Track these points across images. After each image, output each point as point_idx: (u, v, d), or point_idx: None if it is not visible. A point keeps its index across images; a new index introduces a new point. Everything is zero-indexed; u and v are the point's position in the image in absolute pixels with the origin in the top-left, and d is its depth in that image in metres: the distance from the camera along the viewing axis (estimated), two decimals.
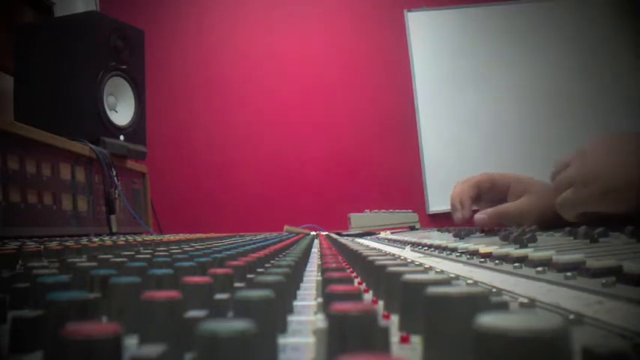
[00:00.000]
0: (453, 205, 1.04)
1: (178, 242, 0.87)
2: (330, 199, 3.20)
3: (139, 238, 1.00)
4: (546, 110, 3.26)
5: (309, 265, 0.53)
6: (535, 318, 0.13)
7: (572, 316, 0.22)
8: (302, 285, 0.38)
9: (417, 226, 1.94)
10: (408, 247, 0.72)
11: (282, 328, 0.23)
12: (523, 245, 0.53)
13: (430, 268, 0.42)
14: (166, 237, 1.15)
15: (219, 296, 0.25)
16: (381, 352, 0.16)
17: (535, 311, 0.25)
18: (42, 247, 0.64)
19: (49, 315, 0.19)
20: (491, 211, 0.96)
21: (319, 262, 0.47)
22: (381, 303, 0.28)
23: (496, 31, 3.36)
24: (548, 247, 0.51)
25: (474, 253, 0.48)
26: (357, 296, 0.22)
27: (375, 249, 0.59)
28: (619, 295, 0.25)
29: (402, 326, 0.21)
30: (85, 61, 1.66)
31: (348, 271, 0.37)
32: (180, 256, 0.44)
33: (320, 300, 0.26)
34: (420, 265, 0.44)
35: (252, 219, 3.14)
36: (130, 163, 1.89)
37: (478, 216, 0.96)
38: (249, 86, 3.37)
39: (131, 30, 1.84)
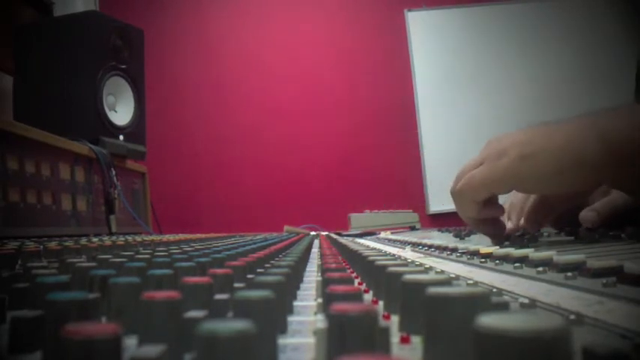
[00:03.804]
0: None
1: (178, 242, 0.87)
2: (330, 199, 3.20)
3: (138, 238, 1.00)
4: (546, 110, 3.26)
5: (309, 265, 0.53)
6: (535, 318, 0.13)
7: (572, 317, 0.21)
8: (302, 285, 0.38)
9: (418, 226, 1.95)
10: (408, 247, 0.72)
11: (282, 328, 0.23)
12: (523, 245, 0.53)
13: (430, 269, 0.42)
14: (166, 237, 1.15)
15: (219, 296, 0.25)
16: (381, 353, 0.16)
17: (535, 311, 0.25)
18: (41, 247, 0.64)
19: (48, 315, 0.19)
20: (600, 205, 0.74)
21: (319, 262, 0.47)
22: (381, 303, 0.28)
23: (496, 30, 3.36)
24: (549, 247, 0.51)
25: (474, 254, 0.48)
26: (357, 296, 0.22)
27: (375, 249, 0.59)
28: (620, 296, 0.25)
29: (402, 326, 0.21)
30: (84, 61, 1.66)
31: (348, 271, 0.37)
32: (179, 256, 0.44)
33: (320, 300, 0.26)
34: (420, 265, 0.44)
35: (252, 219, 3.14)
36: (130, 163, 1.89)
37: (586, 214, 0.74)
38: (249, 86, 3.37)
39: (131, 30, 1.84)
